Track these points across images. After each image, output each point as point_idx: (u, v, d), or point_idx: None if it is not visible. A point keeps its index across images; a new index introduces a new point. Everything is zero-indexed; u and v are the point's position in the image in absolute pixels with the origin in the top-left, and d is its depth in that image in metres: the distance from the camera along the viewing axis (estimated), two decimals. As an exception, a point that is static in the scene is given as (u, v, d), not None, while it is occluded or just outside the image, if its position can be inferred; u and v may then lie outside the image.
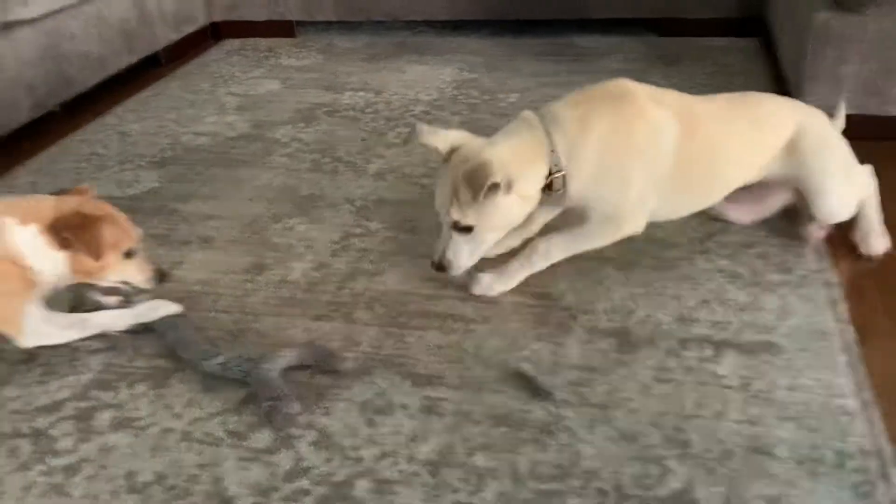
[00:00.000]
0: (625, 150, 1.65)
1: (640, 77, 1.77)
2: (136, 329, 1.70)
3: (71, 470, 1.38)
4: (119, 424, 1.47)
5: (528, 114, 1.68)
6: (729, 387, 1.46)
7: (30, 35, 2.73)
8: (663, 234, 1.93)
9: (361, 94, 3.04)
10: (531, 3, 3.49)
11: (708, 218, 1.98)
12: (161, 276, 1.74)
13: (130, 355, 1.66)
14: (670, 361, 1.53)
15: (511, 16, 3.56)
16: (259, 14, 3.74)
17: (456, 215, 1.59)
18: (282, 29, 3.79)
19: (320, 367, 1.56)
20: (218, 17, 3.80)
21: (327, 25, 3.89)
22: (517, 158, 1.59)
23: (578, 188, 1.67)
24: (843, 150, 1.84)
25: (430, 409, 1.46)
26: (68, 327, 1.66)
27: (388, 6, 3.62)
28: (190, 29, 3.66)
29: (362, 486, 1.30)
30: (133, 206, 2.25)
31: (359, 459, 1.36)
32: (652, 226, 1.96)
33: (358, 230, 2.07)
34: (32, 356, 1.67)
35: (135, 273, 1.70)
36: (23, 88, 2.70)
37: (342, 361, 1.56)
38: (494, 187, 1.53)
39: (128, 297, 1.75)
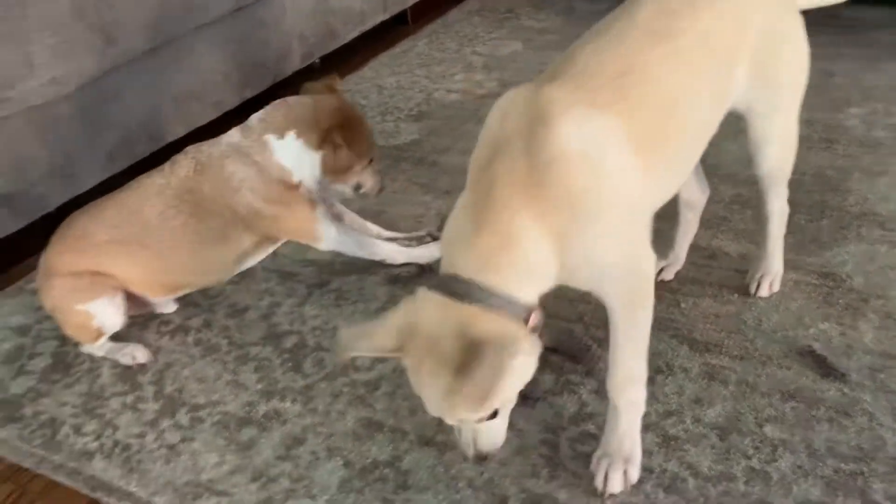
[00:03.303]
0: (577, 208, 1.11)
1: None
2: (417, 269, 1.84)
3: (371, 385, 1.53)
4: (410, 351, 1.60)
5: (425, 293, 1.19)
6: None
7: (307, -11, 2.96)
8: (964, 223, 1.78)
9: (606, 58, 3.01)
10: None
11: None
12: (380, 189, 1.86)
13: (412, 289, 1.78)
14: (979, 358, 1.43)
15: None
16: (501, -25, 3.79)
17: (473, 415, 1.15)
18: (521, -10, 3.83)
19: (567, 352, 1.51)
20: (461, -22, 3.90)
21: (565, -12, 3.88)
22: (499, 319, 1.10)
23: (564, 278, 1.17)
24: (806, 65, 1.39)
25: (711, 375, 1.46)
26: (360, 245, 1.80)
27: (633, -29, 3.54)
28: (436, -12, 3.79)
29: (649, 440, 1.33)
30: (398, 156, 2.41)
31: (643, 414, 1.39)
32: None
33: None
34: (324, 281, 1.85)
35: (368, 178, 1.82)
36: (296, 38, 2.94)
37: (587, 351, 1.51)
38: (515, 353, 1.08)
39: (411, 241, 1.90)
